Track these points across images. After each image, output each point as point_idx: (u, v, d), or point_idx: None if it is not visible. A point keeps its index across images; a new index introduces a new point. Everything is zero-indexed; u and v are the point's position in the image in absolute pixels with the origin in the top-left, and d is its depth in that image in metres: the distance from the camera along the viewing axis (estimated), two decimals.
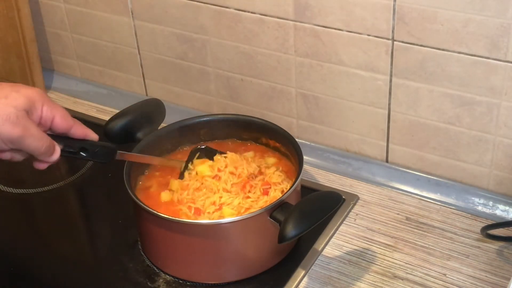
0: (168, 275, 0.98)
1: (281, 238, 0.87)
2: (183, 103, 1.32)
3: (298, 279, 0.96)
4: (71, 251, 1.06)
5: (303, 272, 0.97)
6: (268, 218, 0.92)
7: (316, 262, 0.99)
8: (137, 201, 0.95)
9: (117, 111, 1.09)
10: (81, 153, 0.88)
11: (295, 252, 1.00)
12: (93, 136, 0.89)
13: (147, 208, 0.94)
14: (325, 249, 1.01)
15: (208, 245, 0.94)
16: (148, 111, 1.09)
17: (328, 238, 1.03)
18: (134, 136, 1.05)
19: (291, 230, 0.87)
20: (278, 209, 0.92)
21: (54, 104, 0.84)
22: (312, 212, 0.90)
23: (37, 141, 0.82)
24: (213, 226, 0.93)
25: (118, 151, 0.95)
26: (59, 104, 0.86)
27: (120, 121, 1.05)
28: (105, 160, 0.93)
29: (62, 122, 0.84)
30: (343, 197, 1.02)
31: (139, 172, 1.05)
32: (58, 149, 0.85)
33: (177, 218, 0.95)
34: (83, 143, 0.88)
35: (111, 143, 1.06)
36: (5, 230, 1.10)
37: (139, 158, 1.01)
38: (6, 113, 0.78)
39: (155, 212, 0.93)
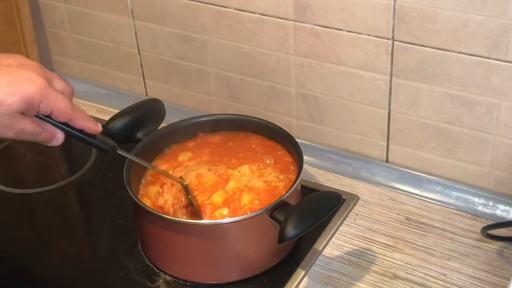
0: (168, 275, 0.98)
1: (281, 238, 0.87)
2: (183, 103, 1.32)
3: (298, 279, 0.96)
4: (71, 251, 1.06)
5: (303, 272, 0.97)
6: (268, 218, 0.92)
7: (316, 262, 0.99)
8: (137, 201, 0.95)
9: (117, 111, 1.09)
10: (85, 138, 0.86)
11: (295, 252, 1.00)
12: (93, 129, 0.86)
13: (146, 208, 0.94)
14: (325, 249, 1.01)
15: (208, 245, 0.94)
16: (148, 111, 1.09)
17: (328, 238, 1.03)
18: (134, 136, 1.05)
19: (291, 230, 0.87)
20: (278, 209, 0.92)
21: (52, 99, 0.80)
22: (312, 212, 0.90)
23: (32, 136, 0.81)
24: (213, 226, 0.93)
25: (117, 150, 0.92)
26: (62, 94, 0.82)
27: (120, 121, 1.05)
28: (105, 151, 0.91)
29: (59, 116, 0.81)
30: (343, 197, 1.03)
31: (140, 172, 1.04)
32: (59, 137, 0.84)
33: (176, 218, 0.94)
34: (83, 134, 0.86)
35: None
36: (5, 230, 1.10)
37: (138, 160, 0.99)
38: (0, 121, 0.77)
39: (155, 212, 0.93)
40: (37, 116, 0.80)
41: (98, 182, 1.18)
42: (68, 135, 0.84)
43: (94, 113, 1.34)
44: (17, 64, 0.79)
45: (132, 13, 1.27)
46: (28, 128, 0.79)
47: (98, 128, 0.86)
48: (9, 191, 1.16)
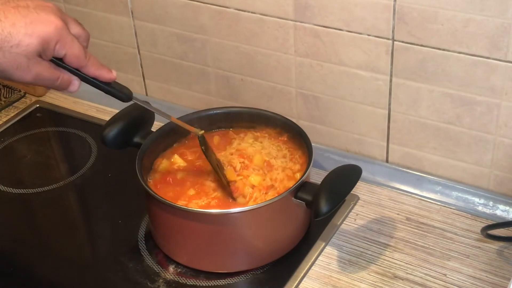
0: (180, 264, 0.99)
1: (317, 213, 0.91)
2: (183, 103, 1.31)
3: (298, 279, 0.96)
4: (71, 251, 1.06)
5: (303, 272, 0.97)
6: (293, 199, 0.95)
7: (316, 262, 0.99)
8: (149, 190, 0.95)
9: (117, 111, 1.09)
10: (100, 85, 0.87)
11: (294, 252, 1.00)
12: (106, 77, 0.86)
13: (158, 197, 0.94)
14: (325, 249, 1.01)
15: (225, 233, 0.95)
16: (139, 114, 1.09)
17: (328, 238, 1.03)
18: (131, 141, 1.06)
19: (325, 205, 0.91)
20: (301, 190, 0.95)
21: (68, 41, 0.80)
22: (339, 186, 0.94)
23: (50, 81, 0.82)
24: (225, 215, 0.94)
25: (132, 99, 0.91)
26: (76, 38, 0.82)
27: (115, 127, 1.06)
28: (121, 99, 0.91)
29: (72, 61, 0.82)
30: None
31: (149, 163, 1.05)
32: (75, 83, 0.85)
33: (189, 208, 0.94)
34: (99, 81, 0.87)
35: (109, 148, 1.06)
36: (5, 230, 1.10)
37: (154, 110, 0.98)
38: (17, 63, 0.77)
39: (167, 201, 0.94)
40: (52, 61, 0.81)
41: (98, 182, 1.18)
42: (84, 81, 0.85)
43: (94, 113, 1.34)
44: (35, 5, 0.80)
45: (132, 13, 1.27)
46: (45, 73, 0.80)
47: (112, 75, 0.87)
48: (9, 191, 1.16)
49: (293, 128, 1.07)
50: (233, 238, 0.95)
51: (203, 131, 0.99)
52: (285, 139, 1.08)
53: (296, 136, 1.06)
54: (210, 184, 1.01)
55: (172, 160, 1.06)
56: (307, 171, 0.97)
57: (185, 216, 0.94)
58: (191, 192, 1.00)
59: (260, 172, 1.01)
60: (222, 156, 1.04)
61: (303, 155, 1.05)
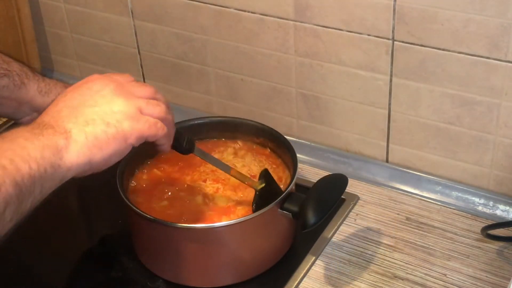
0: (165, 280, 0.97)
1: (305, 225, 0.89)
2: (183, 103, 1.32)
3: (298, 279, 0.96)
4: (71, 251, 1.06)
5: (303, 272, 0.97)
6: (279, 210, 0.93)
7: (316, 262, 0.99)
8: (131, 205, 0.94)
9: None
10: None
11: (294, 252, 1.00)
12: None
13: (142, 213, 0.92)
14: (325, 249, 1.01)
15: (212, 247, 0.93)
16: None
17: (328, 238, 1.03)
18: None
19: (312, 216, 0.89)
20: (287, 201, 0.93)
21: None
22: (326, 196, 0.92)
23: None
24: (210, 230, 0.92)
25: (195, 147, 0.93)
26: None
27: None
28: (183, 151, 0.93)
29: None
30: (343, 197, 1.03)
31: (131, 172, 1.04)
32: None
33: (174, 223, 0.92)
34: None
35: None
36: None
37: (214, 161, 0.97)
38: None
39: (151, 216, 0.92)
40: None
41: (98, 182, 1.18)
42: None
43: None
44: None
45: (132, 13, 1.27)
46: None
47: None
48: None
49: (277, 138, 1.04)
50: (219, 253, 0.93)
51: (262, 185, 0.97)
52: (268, 152, 1.07)
53: (281, 147, 1.04)
54: (187, 196, 1.00)
55: (152, 173, 1.04)
56: (293, 181, 0.95)
57: (169, 231, 0.92)
58: (165, 203, 0.99)
59: (228, 193, 1.00)
60: (195, 175, 1.03)
61: (287, 169, 1.03)
